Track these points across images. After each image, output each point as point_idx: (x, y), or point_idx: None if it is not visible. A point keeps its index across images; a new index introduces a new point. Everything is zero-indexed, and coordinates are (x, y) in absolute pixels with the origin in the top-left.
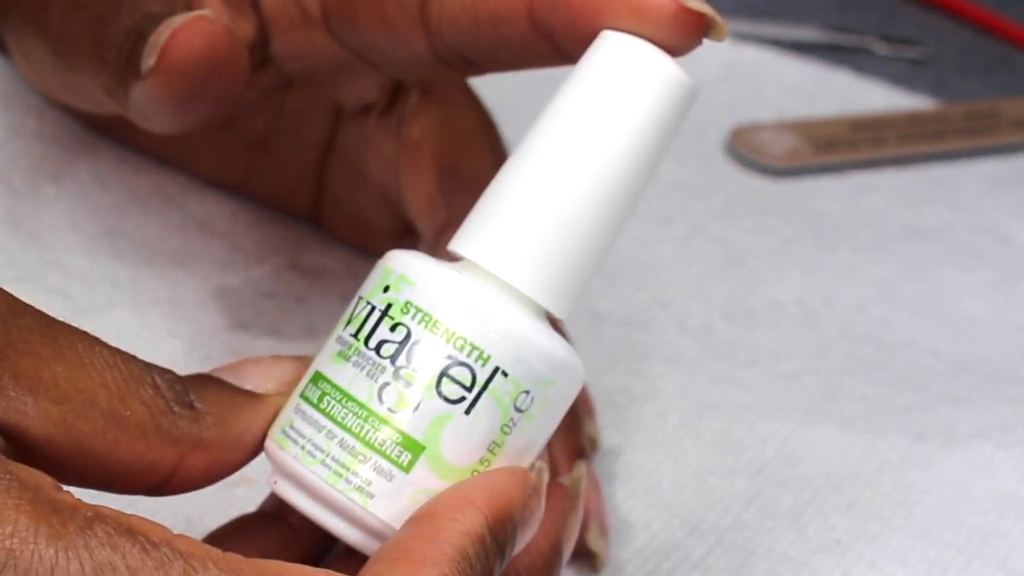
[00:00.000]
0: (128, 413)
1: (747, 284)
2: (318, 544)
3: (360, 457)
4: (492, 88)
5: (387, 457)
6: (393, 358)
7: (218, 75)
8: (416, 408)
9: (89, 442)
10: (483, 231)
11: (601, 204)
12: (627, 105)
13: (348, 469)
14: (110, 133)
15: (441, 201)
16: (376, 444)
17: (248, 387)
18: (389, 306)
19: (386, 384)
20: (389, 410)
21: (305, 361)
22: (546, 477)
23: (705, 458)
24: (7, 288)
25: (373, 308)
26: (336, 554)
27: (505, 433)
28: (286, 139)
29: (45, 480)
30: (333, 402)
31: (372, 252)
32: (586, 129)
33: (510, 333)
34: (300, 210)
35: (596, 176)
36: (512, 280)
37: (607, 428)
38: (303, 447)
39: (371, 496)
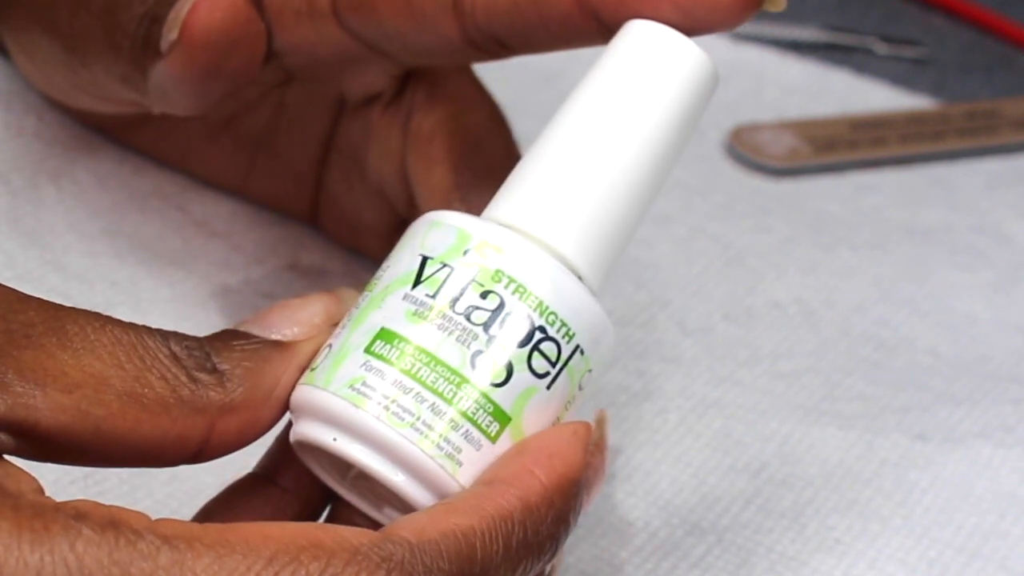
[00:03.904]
0: (146, 390)
1: (747, 284)
2: (310, 503)
3: (452, 424)
4: (492, 90)
5: (478, 426)
6: (486, 326)
7: (238, 49)
8: (508, 379)
9: (108, 425)
10: (530, 200)
11: (638, 181)
12: (662, 86)
13: (440, 435)
14: (110, 133)
15: (456, 196)
16: (469, 412)
17: (275, 336)
18: (476, 271)
19: (479, 352)
20: (482, 379)
21: (334, 297)
22: (607, 426)
23: (704, 457)
24: None
25: (453, 270)
26: (331, 515)
27: (566, 409)
28: (286, 136)
29: (26, 484)
30: (420, 364)
31: (363, 250)
32: (624, 109)
33: (591, 312)
34: (297, 210)
35: (635, 155)
36: (563, 249)
37: None
38: (387, 407)
39: (460, 464)
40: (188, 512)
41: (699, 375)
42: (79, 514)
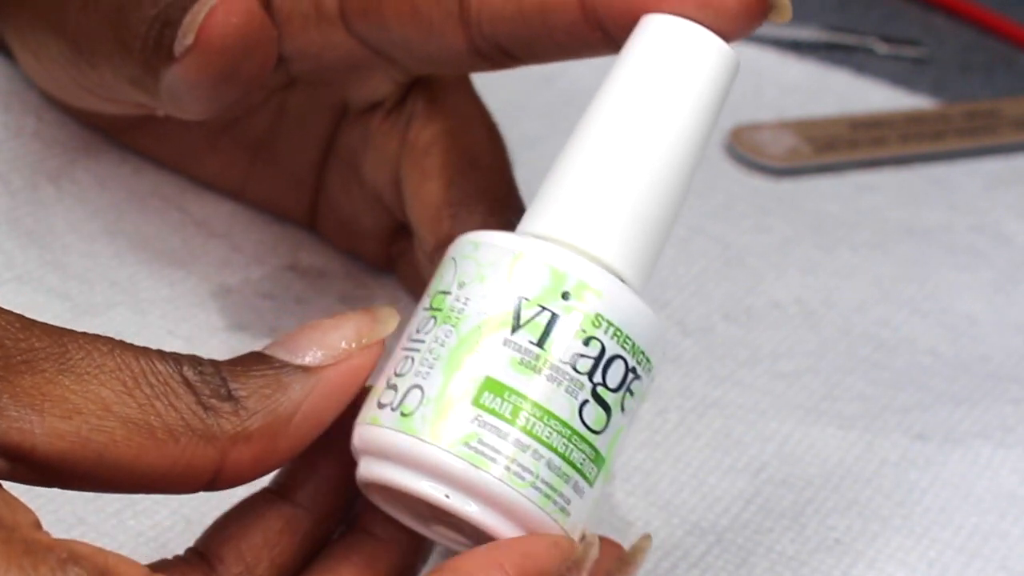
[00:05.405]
0: (152, 418)
1: (747, 284)
2: (323, 521)
3: (564, 478)
4: (492, 90)
5: (583, 475)
6: (590, 375)
7: (252, 55)
8: (607, 425)
9: (110, 452)
10: (576, 214)
11: (672, 181)
12: (690, 79)
13: (555, 491)
14: (111, 134)
15: (447, 213)
16: (577, 463)
17: (298, 361)
18: (579, 317)
19: (586, 402)
20: (589, 429)
21: (368, 316)
22: (594, 553)
23: (704, 457)
24: (6, 288)
25: (555, 316)
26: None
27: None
28: (287, 140)
29: (24, 518)
30: (533, 420)
31: (362, 255)
32: (653, 109)
33: (664, 342)
34: (296, 214)
35: (667, 153)
36: (621, 268)
37: None
38: (507, 467)
39: (568, 515)
40: (188, 511)
41: (699, 375)
42: (72, 557)
